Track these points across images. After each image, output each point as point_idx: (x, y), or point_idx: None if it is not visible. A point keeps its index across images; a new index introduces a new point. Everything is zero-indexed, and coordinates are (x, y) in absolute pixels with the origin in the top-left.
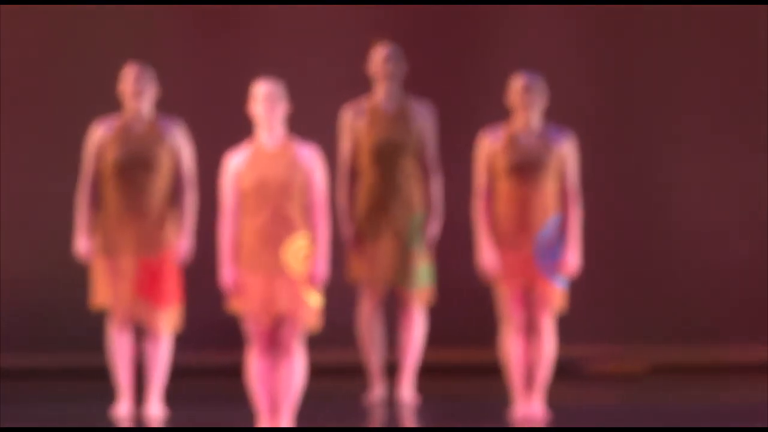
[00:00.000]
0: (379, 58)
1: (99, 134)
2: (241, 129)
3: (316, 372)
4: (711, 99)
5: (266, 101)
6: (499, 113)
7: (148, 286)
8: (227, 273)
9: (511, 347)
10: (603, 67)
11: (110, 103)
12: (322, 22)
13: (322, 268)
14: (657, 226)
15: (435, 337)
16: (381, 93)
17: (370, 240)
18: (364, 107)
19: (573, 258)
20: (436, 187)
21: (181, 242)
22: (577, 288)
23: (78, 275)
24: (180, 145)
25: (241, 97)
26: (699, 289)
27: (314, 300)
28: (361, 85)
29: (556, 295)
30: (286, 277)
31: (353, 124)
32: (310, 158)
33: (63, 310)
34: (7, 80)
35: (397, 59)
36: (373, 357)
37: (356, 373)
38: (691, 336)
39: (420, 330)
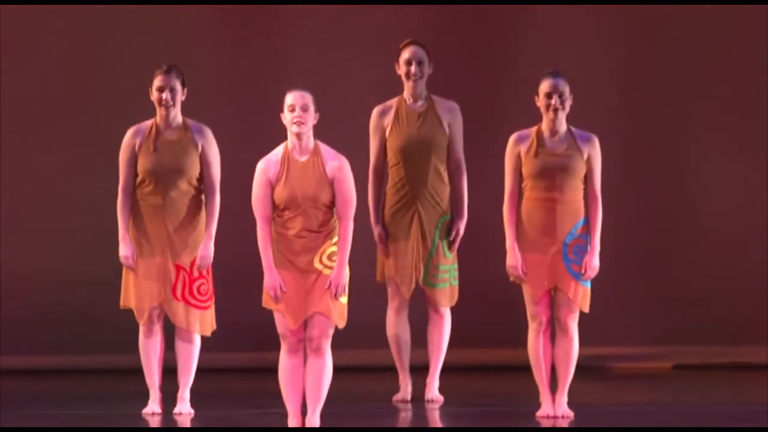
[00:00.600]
0: (406, 58)
1: (133, 140)
2: (271, 134)
3: (343, 371)
4: (734, 100)
5: (297, 110)
6: (525, 113)
7: (181, 291)
8: (272, 277)
9: (536, 348)
10: (625, 69)
11: (143, 107)
12: (351, 24)
13: (341, 279)
14: (680, 229)
15: (461, 337)
16: (408, 93)
17: (397, 239)
18: (391, 108)
19: (593, 260)
20: (462, 186)
21: (202, 247)
22: (601, 289)
23: (109, 277)
24: (208, 151)
25: (272, 102)
26: (725, 290)
27: (342, 299)
28: (389, 85)
29: (580, 296)
30: (316, 277)
31: (381, 124)
32: (338, 171)
33: (94, 312)
34: (40, 84)
35: (423, 60)
36: (400, 356)
37: (383, 372)
38: (714, 337)
39: (445, 330)
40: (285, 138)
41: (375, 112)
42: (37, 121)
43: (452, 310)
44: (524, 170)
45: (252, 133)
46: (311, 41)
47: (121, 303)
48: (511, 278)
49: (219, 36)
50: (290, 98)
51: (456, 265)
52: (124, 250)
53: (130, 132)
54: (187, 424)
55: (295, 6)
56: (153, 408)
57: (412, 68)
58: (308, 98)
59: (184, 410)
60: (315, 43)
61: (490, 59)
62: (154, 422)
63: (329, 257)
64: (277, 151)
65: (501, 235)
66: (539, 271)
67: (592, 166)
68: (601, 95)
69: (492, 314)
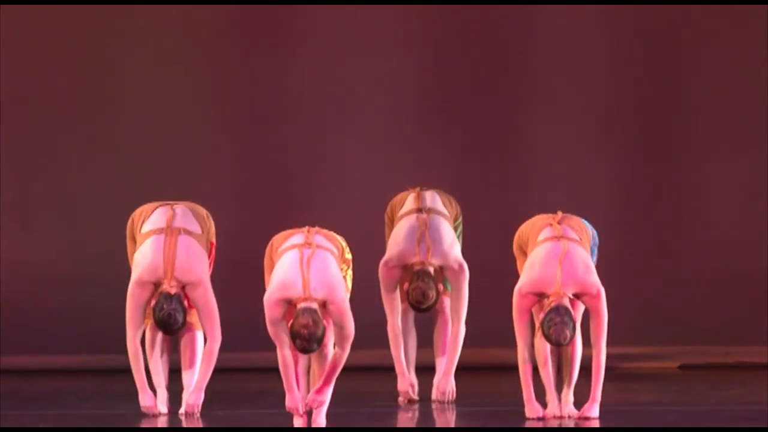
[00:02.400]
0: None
1: (142, 295)
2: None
3: (349, 371)
4: (737, 102)
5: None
6: (525, 113)
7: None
8: (292, 399)
9: (542, 347)
10: (625, 69)
11: (147, 106)
12: (351, 24)
13: (323, 396)
14: (685, 229)
15: (467, 337)
16: None
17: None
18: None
19: (592, 412)
20: (459, 335)
21: (193, 393)
22: (607, 289)
23: (114, 277)
24: (197, 302)
25: (274, 103)
26: (731, 289)
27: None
28: (395, 84)
29: None
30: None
31: (393, 280)
32: (336, 316)
33: (99, 311)
34: (46, 85)
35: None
36: (407, 356)
37: (388, 372)
38: (720, 337)
39: (450, 330)
40: (288, 140)
41: (384, 268)
42: (42, 120)
43: None
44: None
45: (252, 133)
46: (310, 41)
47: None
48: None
49: (221, 36)
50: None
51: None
52: (146, 400)
53: (135, 285)
54: (194, 424)
55: (294, 6)
56: (160, 408)
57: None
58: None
59: (190, 411)
60: (314, 43)
61: (489, 59)
62: (160, 422)
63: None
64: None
65: (504, 235)
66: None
67: (598, 323)
68: (601, 96)
69: (498, 314)
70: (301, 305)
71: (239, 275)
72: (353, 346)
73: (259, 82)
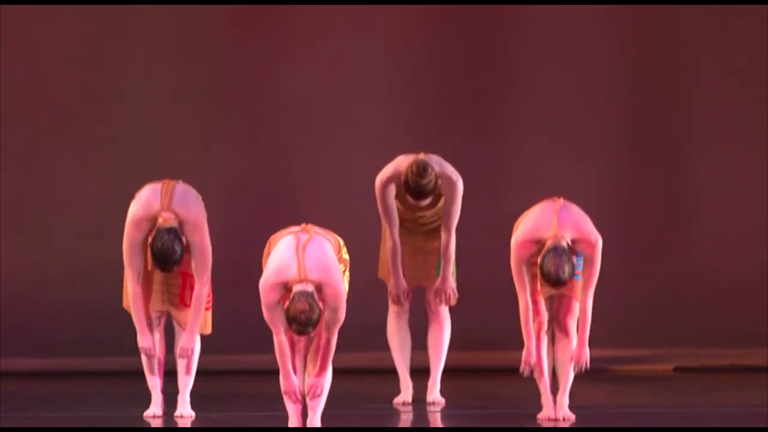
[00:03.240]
0: (410, 202)
1: (136, 234)
2: (271, 135)
3: (344, 373)
4: (737, 102)
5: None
6: (525, 114)
7: (189, 295)
8: (289, 384)
9: (538, 350)
10: (625, 70)
11: (147, 107)
12: (351, 24)
13: (322, 383)
14: (680, 231)
15: (461, 339)
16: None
17: (403, 242)
18: (396, 180)
19: (582, 355)
20: (451, 248)
21: (186, 338)
22: (602, 291)
23: (111, 279)
24: (192, 239)
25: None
26: (726, 292)
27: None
28: (393, 85)
29: (578, 290)
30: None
31: (388, 192)
32: (331, 311)
33: (95, 314)
34: (44, 86)
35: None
36: (400, 358)
37: (382, 374)
38: (715, 339)
39: (445, 332)
40: (285, 140)
41: (380, 182)
42: (41, 122)
43: (453, 311)
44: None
45: (249, 134)
46: (310, 41)
47: (124, 302)
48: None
49: (221, 37)
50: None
51: (455, 267)
52: (144, 341)
53: (132, 224)
54: (188, 427)
55: (295, 6)
56: (155, 410)
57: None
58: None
59: (186, 412)
60: (314, 43)
61: (490, 60)
62: (156, 425)
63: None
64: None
65: (502, 236)
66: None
67: (590, 272)
68: (600, 96)
69: (492, 316)
70: (296, 288)
71: (234, 278)
72: (348, 348)
73: (255, 83)
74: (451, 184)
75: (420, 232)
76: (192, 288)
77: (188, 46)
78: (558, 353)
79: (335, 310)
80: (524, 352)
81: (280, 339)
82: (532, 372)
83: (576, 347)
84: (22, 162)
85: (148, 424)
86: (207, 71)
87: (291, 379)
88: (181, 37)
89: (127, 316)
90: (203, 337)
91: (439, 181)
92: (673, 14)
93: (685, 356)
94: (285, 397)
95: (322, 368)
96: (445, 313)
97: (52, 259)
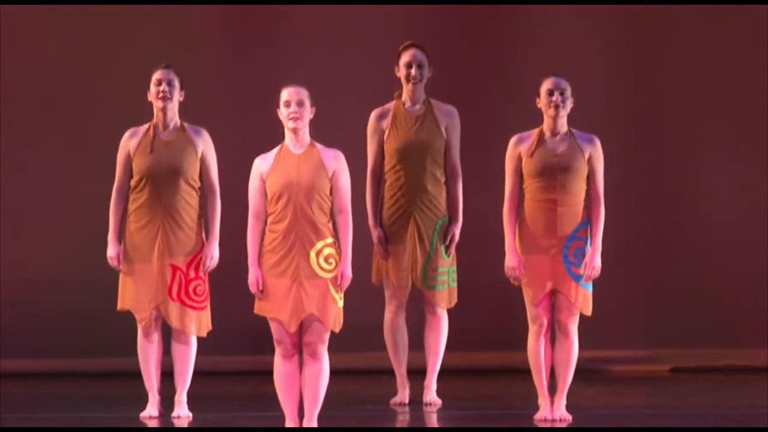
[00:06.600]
0: (405, 61)
1: (129, 142)
2: (269, 134)
3: (341, 374)
4: (736, 103)
5: (292, 105)
6: (524, 114)
7: (177, 291)
8: (252, 274)
9: (536, 350)
10: (625, 69)
11: (143, 107)
12: (350, 25)
13: (347, 271)
14: (679, 231)
15: (459, 340)
16: (406, 96)
17: (395, 242)
18: (389, 111)
19: (595, 260)
20: (458, 191)
21: (208, 248)
22: (600, 292)
23: (108, 280)
24: (207, 153)
25: (269, 102)
26: (722, 293)
27: (339, 303)
28: (388, 86)
29: (581, 298)
30: (312, 280)
31: (379, 127)
32: (335, 161)
33: (92, 315)
34: (40, 85)
35: (423, 63)
36: (397, 359)
37: (380, 375)
38: (712, 340)
39: (443, 332)
40: (283, 138)
41: (373, 115)
42: (38, 122)
43: (450, 312)
44: (525, 171)
45: (250, 134)
46: (310, 41)
47: (119, 305)
48: (511, 279)
49: (219, 36)
50: (285, 94)
51: (454, 267)
52: (111, 250)
53: (126, 134)
54: (185, 427)
55: (294, 6)
56: (151, 411)
57: (412, 71)
58: (304, 93)
59: (182, 413)
60: (313, 43)
61: (489, 60)
62: (152, 425)
63: (326, 260)
64: (274, 149)
65: (500, 237)
66: (540, 272)
67: (594, 167)
68: (600, 96)
69: (490, 316)
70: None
71: (232, 279)
72: (344, 349)
73: (255, 83)
74: (449, 111)
75: (414, 215)
76: (180, 282)
77: (188, 46)
78: (558, 355)
79: (344, 184)
80: (507, 257)
81: (254, 224)
82: (516, 280)
83: (589, 254)
84: (20, 163)
85: (145, 425)
86: (207, 71)
87: (256, 269)
88: (182, 37)
89: (125, 318)
90: (200, 339)
91: (436, 111)
92: (673, 14)
93: (682, 357)
94: (250, 286)
95: (346, 258)
96: (442, 313)
97: (50, 261)
